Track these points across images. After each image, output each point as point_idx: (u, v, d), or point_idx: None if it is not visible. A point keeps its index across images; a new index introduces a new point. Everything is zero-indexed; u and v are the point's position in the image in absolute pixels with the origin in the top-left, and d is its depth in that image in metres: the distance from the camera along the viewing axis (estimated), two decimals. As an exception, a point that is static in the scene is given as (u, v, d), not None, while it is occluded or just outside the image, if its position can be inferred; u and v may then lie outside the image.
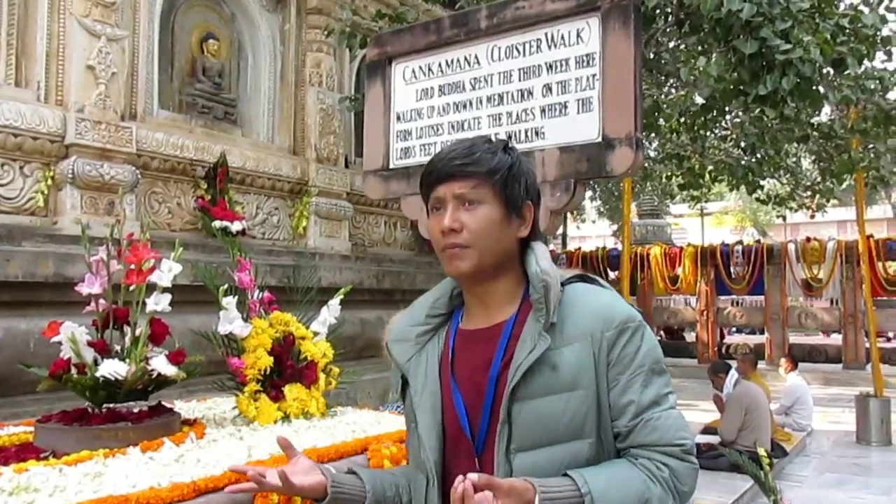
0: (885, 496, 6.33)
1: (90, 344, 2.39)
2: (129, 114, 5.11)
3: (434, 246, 1.37)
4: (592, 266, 15.40)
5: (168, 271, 2.52)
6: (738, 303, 16.33)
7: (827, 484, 6.68)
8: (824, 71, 5.54)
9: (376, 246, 7.23)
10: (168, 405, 2.68)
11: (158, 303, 2.50)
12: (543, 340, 1.27)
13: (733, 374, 7.64)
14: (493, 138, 1.39)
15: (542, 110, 3.95)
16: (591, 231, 30.14)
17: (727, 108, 6.64)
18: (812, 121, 8.56)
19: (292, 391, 2.79)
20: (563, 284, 1.35)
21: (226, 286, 2.70)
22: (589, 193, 17.60)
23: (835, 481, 6.72)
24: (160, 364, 2.41)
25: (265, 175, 6.03)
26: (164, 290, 2.52)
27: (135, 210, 4.99)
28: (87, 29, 4.79)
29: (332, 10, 6.57)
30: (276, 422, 2.70)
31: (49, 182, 4.61)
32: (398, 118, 4.53)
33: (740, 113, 8.34)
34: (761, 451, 3.90)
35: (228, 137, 5.95)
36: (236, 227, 5.44)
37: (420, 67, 4.45)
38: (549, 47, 3.96)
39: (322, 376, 2.94)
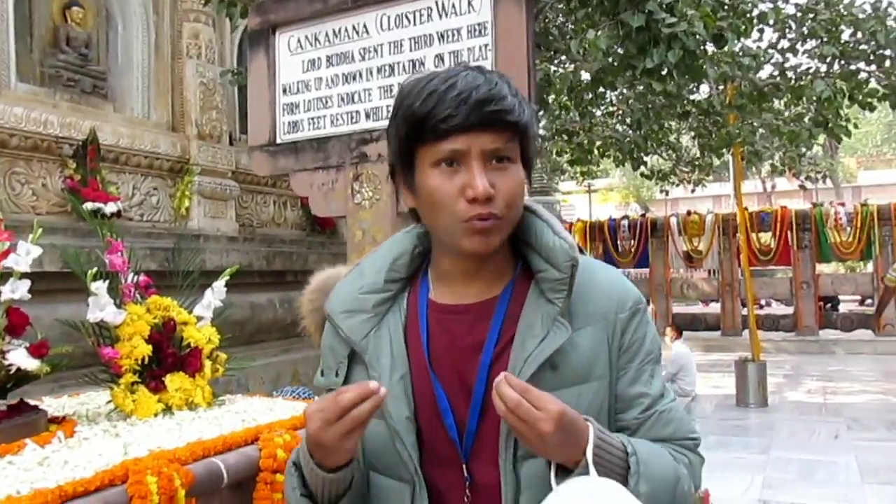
0: (764, 454, 6.68)
1: (-67, 338, 2.11)
2: (-20, 86, 4.64)
3: (441, 213, 1.06)
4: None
5: (26, 255, 2.25)
6: (624, 275, 16.91)
7: (710, 446, 6.97)
8: (706, 47, 5.71)
9: (266, 226, 6.94)
10: (33, 403, 2.42)
11: (16, 290, 2.24)
12: (561, 329, 1.06)
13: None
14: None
15: (435, 81, 3.84)
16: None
17: (615, 84, 6.75)
18: (692, 98, 8.88)
19: (174, 381, 2.58)
20: None
21: (95, 270, 2.45)
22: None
23: (718, 443, 7.04)
24: (19, 358, 2.16)
25: (141, 153, 5.64)
26: (23, 275, 2.26)
27: (-7, 192, 4.55)
28: (-72, -10, 4.30)
29: (209, -23, 6.20)
30: (156, 415, 2.49)
31: None
32: (284, 91, 4.34)
33: (625, 90, 8.55)
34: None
35: (99, 113, 5.52)
36: (110, 208, 5.06)
37: (306, 37, 4.27)
38: (441, 16, 3.87)
39: (208, 364, 2.74)
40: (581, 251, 1.15)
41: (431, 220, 1.11)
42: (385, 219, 3.84)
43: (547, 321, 1.07)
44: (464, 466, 1.10)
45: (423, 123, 1.04)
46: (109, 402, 2.54)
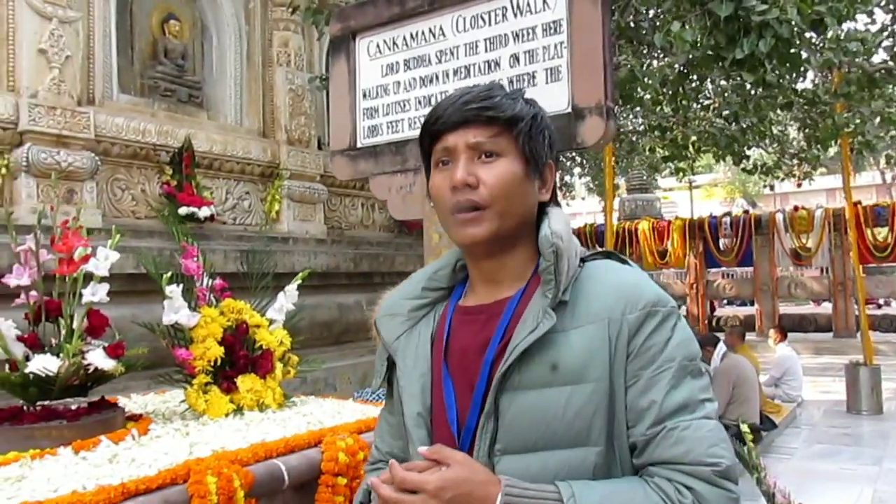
0: (876, 466, 6.26)
1: (20, 339, 2.25)
2: (86, 98, 4.93)
3: (439, 208, 1.15)
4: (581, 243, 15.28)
5: (104, 259, 2.37)
6: (727, 275, 16.28)
7: (817, 455, 6.61)
8: (805, 33, 5.39)
9: (353, 228, 7.07)
10: (112, 400, 2.54)
11: (95, 293, 2.36)
12: (548, 318, 1.05)
13: (721, 348, 7.55)
14: (507, 86, 1.20)
15: (510, 81, 3.81)
16: (582, 208, 29.99)
17: (707, 76, 6.49)
18: (796, 87, 8.42)
19: (246, 382, 2.65)
20: (583, 261, 1.15)
21: (170, 273, 2.55)
22: (577, 170, 17.42)
23: (825, 452, 6.65)
24: (97, 358, 2.27)
25: (234, 159, 5.86)
26: (103, 279, 2.38)
27: (96, 198, 4.82)
28: (37, 11, 4.60)
29: (297, -15, 6.37)
30: (227, 415, 2.57)
31: (3, 171, 4.44)
32: (364, 95, 4.39)
33: (723, 81, 8.20)
34: (744, 428, 3.80)
35: (194, 121, 5.77)
36: (204, 212, 5.29)
37: (384, 41, 4.30)
38: (515, 15, 3.83)
39: (279, 366, 2.80)
40: (618, 257, 1.16)
41: (439, 219, 1.17)
42: (460, 221, 3.83)
43: (538, 313, 1.07)
44: None
45: (425, 130, 1.17)
46: (184, 401, 2.64)
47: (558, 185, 1.35)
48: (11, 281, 2.26)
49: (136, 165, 5.21)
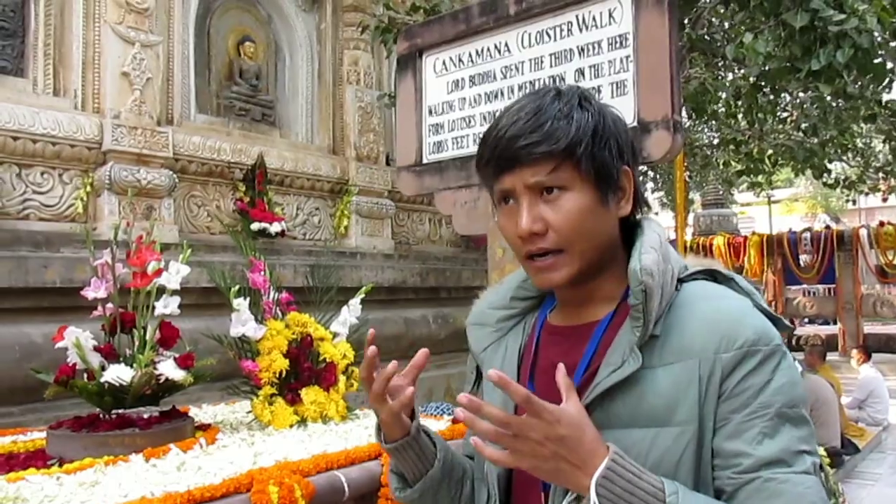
0: (967, 495, 5.91)
1: (97, 349, 2.35)
2: (165, 118, 5.14)
3: (513, 249, 1.08)
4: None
5: (176, 273, 2.46)
6: (808, 292, 15.68)
7: (902, 482, 6.29)
8: (889, 43, 5.19)
9: (421, 243, 7.13)
10: (183, 410, 2.63)
11: (167, 305, 2.45)
12: (634, 359, 0.97)
13: (799, 368, 7.27)
14: (561, 87, 1.05)
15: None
16: (654, 223, 29.40)
17: (783, 88, 6.30)
18: (880, 98, 8.08)
19: (310, 394, 2.70)
20: (682, 280, 1.04)
21: (238, 287, 2.63)
22: (651, 185, 17.14)
23: (911, 480, 6.32)
24: (168, 368, 2.36)
25: (304, 175, 6.00)
26: (174, 292, 2.47)
27: (173, 214, 5.01)
28: (121, 36, 4.83)
29: (367, 6, 6.50)
30: (291, 426, 2.62)
31: (88, 188, 4.66)
32: (430, 112, 4.44)
33: (801, 93, 7.95)
34: (821, 451, 3.64)
35: (266, 139, 5.94)
36: (275, 228, 5.42)
37: (450, 58, 4.35)
38: (581, 30, 3.81)
39: (342, 378, 2.85)
40: (722, 276, 1.06)
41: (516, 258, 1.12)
42: (524, 236, 3.81)
43: (625, 350, 0.99)
44: (540, 484, 1.04)
45: (480, 166, 1.08)
46: (250, 412, 2.71)
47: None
48: (89, 293, 2.37)
49: (212, 182, 5.39)
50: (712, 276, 1.07)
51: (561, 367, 0.94)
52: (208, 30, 5.80)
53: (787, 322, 1.08)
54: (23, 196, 4.43)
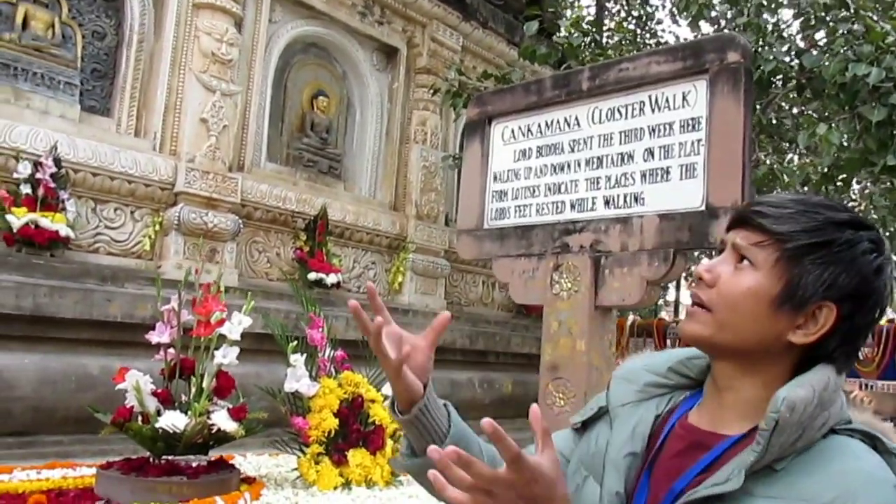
0: None
1: (154, 394, 2.38)
2: (236, 165, 5.29)
3: None
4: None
5: (238, 324, 2.49)
6: (866, 386, 15.09)
7: None
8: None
9: (473, 305, 7.11)
10: (229, 458, 2.63)
11: (226, 355, 2.48)
12: (736, 479, 0.92)
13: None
14: (851, 212, 1.03)
15: (643, 175, 3.77)
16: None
17: (853, 177, 6.19)
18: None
19: (356, 456, 2.68)
20: (834, 431, 0.98)
21: (295, 342, 2.64)
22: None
23: None
24: (221, 419, 2.37)
25: (364, 229, 6.07)
26: (234, 342, 2.50)
27: (235, 258, 5.11)
28: (204, 84, 5.02)
29: (440, 69, 6.65)
30: (336, 487, 2.59)
31: (157, 227, 4.80)
32: (495, 178, 4.46)
33: (869, 184, 7.79)
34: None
35: (331, 191, 6.06)
36: (331, 279, 5.48)
37: (519, 128, 4.38)
38: (653, 110, 3.81)
39: (389, 442, 2.82)
40: (878, 439, 0.97)
41: None
42: (582, 311, 3.75)
43: (734, 469, 0.94)
44: None
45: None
46: (295, 469, 2.69)
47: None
48: (154, 338, 2.41)
49: (274, 230, 5.50)
50: (871, 440, 0.99)
51: (535, 408, 0.91)
52: (285, 83, 5.99)
53: None
54: (95, 230, 4.59)
